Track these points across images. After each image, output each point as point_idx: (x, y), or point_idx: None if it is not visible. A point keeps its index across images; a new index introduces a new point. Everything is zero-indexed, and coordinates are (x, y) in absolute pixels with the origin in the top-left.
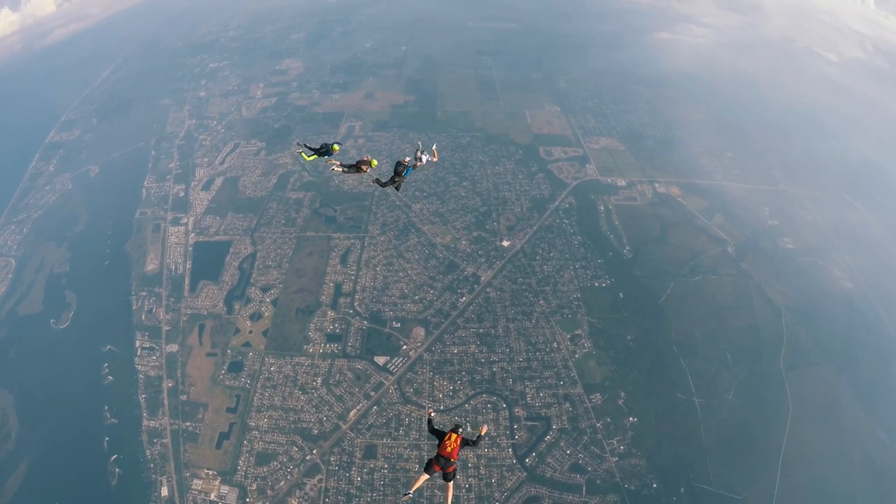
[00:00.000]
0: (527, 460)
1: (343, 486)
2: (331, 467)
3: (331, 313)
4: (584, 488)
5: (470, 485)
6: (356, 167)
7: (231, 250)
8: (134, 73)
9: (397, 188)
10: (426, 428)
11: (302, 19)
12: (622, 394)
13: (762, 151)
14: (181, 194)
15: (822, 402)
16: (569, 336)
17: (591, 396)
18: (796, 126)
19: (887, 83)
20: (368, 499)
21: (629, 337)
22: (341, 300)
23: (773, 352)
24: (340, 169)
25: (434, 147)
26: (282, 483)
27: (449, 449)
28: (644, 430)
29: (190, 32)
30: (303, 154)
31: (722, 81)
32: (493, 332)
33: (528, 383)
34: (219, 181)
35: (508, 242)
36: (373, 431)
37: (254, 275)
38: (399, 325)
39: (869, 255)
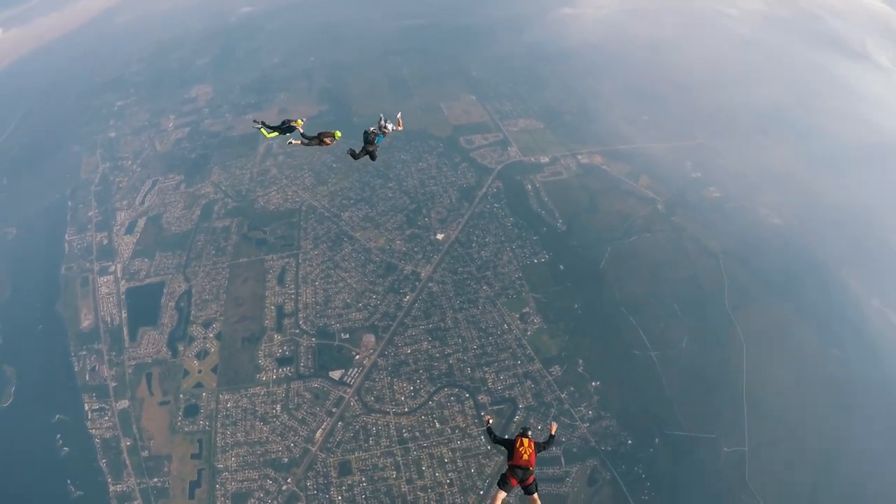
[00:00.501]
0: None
1: None
2: (309, 492)
3: (277, 337)
4: (562, 459)
5: (451, 479)
6: (318, 139)
7: (165, 291)
8: (39, 122)
9: (373, 157)
10: (487, 440)
11: (205, 43)
12: (580, 361)
13: (677, 110)
14: (105, 242)
15: (773, 334)
16: (517, 315)
17: (551, 370)
18: (706, 82)
19: (789, 30)
20: None
21: (576, 306)
22: (286, 321)
23: (717, 296)
24: (300, 142)
25: (399, 116)
26: None
27: (525, 457)
28: (608, 391)
29: (92, 73)
30: (262, 131)
31: (629, 49)
32: (442, 325)
33: (486, 369)
34: (141, 222)
35: (442, 235)
36: (343, 447)
37: (192, 312)
38: (347, 335)
39: (791, 191)
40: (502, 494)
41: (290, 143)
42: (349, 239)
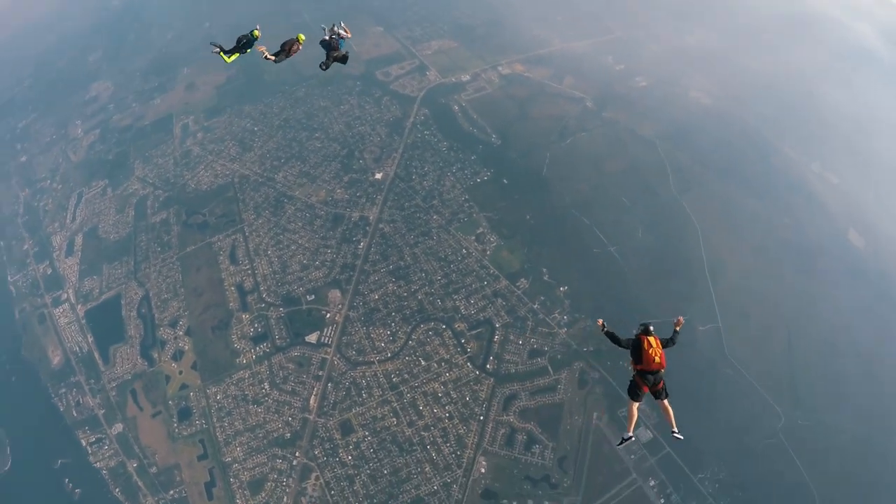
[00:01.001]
0: (488, 366)
1: (340, 471)
2: (319, 460)
3: (245, 316)
4: (549, 368)
5: (449, 412)
6: (285, 52)
7: (123, 302)
8: None
9: (344, 61)
10: (610, 344)
11: (92, 37)
12: (544, 270)
13: (589, 6)
14: (49, 272)
15: (723, 210)
16: (473, 237)
17: (517, 284)
18: None
19: None
20: (369, 470)
21: (528, 216)
22: (249, 299)
23: (661, 182)
24: (273, 58)
25: (342, 23)
26: (285, 499)
27: (657, 359)
28: (577, 293)
29: None
30: (222, 56)
31: None
32: (402, 263)
33: (455, 297)
34: (79, 240)
35: (381, 174)
36: (339, 408)
37: (156, 315)
38: (313, 297)
39: (717, 69)
40: (635, 406)
41: (264, 56)
42: (289, 199)
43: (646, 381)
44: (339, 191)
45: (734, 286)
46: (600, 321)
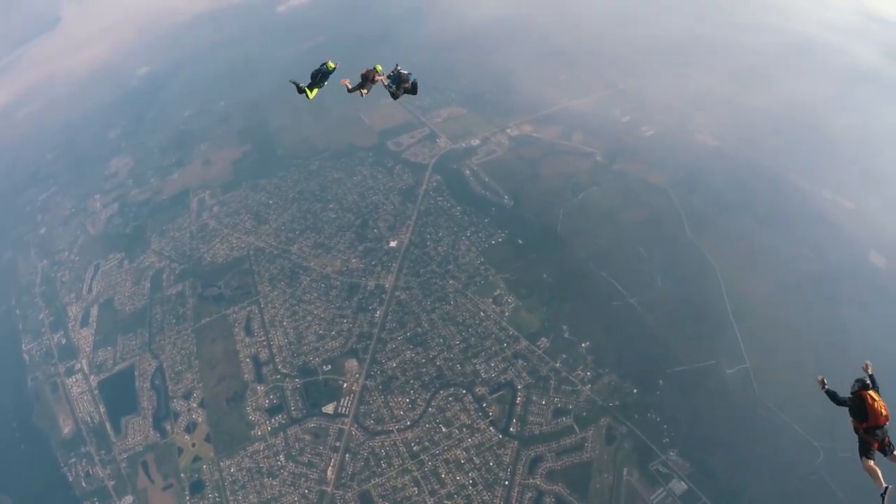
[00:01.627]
0: (511, 429)
1: None
2: None
3: (261, 388)
4: (575, 426)
5: (473, 479)
6: (369, 81)
7: (136, 374)
8: None
9: (414, 90)
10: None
11: (113, 114)
12: (564, 327)
13: (591, 63)
14: (63, 342)
15: (740, 249)
16: (490, 300)
17: (538, 343)
18: (613, 28)
19: None
20: None
21: (545, 275)
22: (265, 370)
23: (677, 228)
24: (357, 90)
25: (397, 66)
26: None
27: (883, 411)
28: (600, 349)
29: (7, 173)
30: (306, 92)
31: (529, 15)
32: (419, 330)
33: (475, 361)
34: (94, 311)
35: (395, 242)
36: (357, 479)
37: (170, 387)
38: (329, 366)
39: (721, 110)
40: (871, 462)
41: (349, 90)
42: (305, 270)
43: (875, 437)
44: (354, 260)
45: (759, 324)
46: (820, 378)
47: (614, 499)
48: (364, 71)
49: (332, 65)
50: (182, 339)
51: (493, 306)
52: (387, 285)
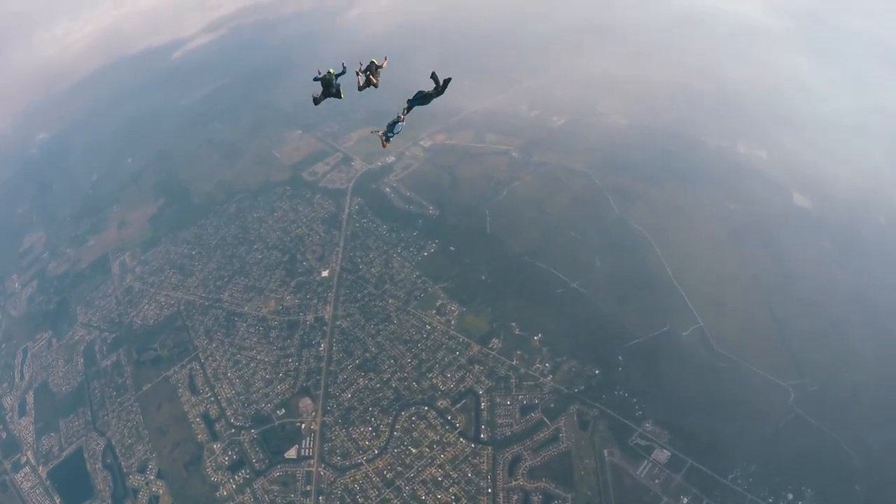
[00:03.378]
0: (482, 436)
1: None
2: None
3: (217, 446)
4: (545, 419)
5: (455, 494)
6: (368, 81)
7: (86, 456)
8: None
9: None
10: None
11: (19, 190)
12: (514, 324)
13: (492, 64)
14: (3, 436)
15: (669, 216)
16: (434, 311)
17: (490, 345)
18: (504, 26)
19: None
20: None
21: (483, 277)
22: (217, 426)
23: (604, 207)
24: (361, 85)
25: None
26: None
27: None
28: (553, 338)
29: None
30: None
31: (422, 27)
32: (368, 355)
33: (430, 375)
34: (30, 397)
35: (327, 271)
36: None
37: (123, 463)
38: (283, 410)
39: (623, 93)
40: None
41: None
42: (240, 317)
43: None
44: (288, 297)
45: (702, 282)
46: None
47: (601, 482)
48: (365, 68)
49: (332, 71)
50: (126, 410)
51: (438, 317)
52: (326, 316)
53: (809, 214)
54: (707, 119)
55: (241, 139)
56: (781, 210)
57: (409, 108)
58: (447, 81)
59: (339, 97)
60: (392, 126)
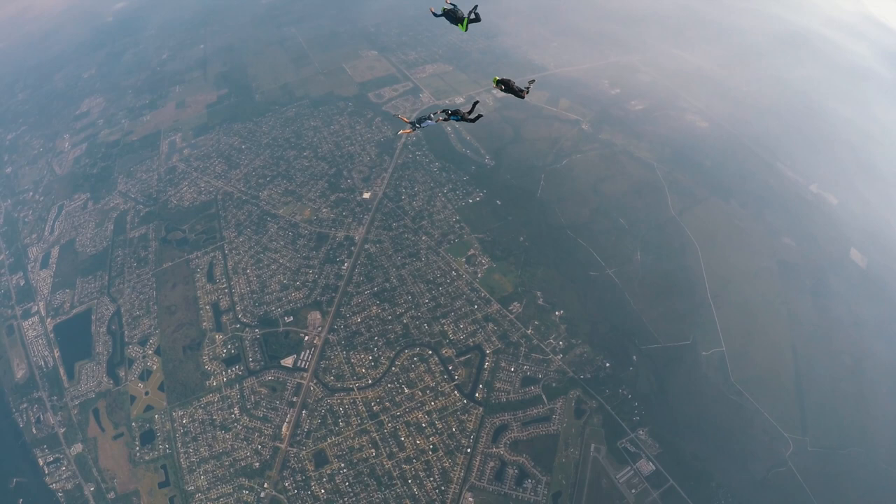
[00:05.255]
0: (477, 395)
1: None
2: (289, 493)
3: (219, 337)
4: (543, 397)
5: (434, 444)
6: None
7: (93, 318)
8: None
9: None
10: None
11: (88, 55)
12: (538, 293)
13: (585, 32)
14: (22, 283)
15: (723, 231)
16: (464, 259)
17: (510, 308)
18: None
19: None
20: None
21: (522, 238)
22: (224, 318)
23: (660, 203)
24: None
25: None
26: None
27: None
28: (574, 318)
29: None
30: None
31: None
32: (388, 285)
33: (443, 321)
34: (55, 252)
35: (369, 193)
36: (313, 437)
37: (126, 333)
38: (291, 318)
39: (713, 92)
40: None
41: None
42: (273, 218)
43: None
44: (324, 210)
45: (737, 308)
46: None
47: (580, 474)
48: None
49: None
50: (142, 283)
51: (466, 266)
52: (357, 237)
53: (862, 273)
54: (789, 146)
55: (314, 48)
56: (835, 260)
57: (445, 118)
58: (479, 116)
59: (476, 20)
60: (421, 120)
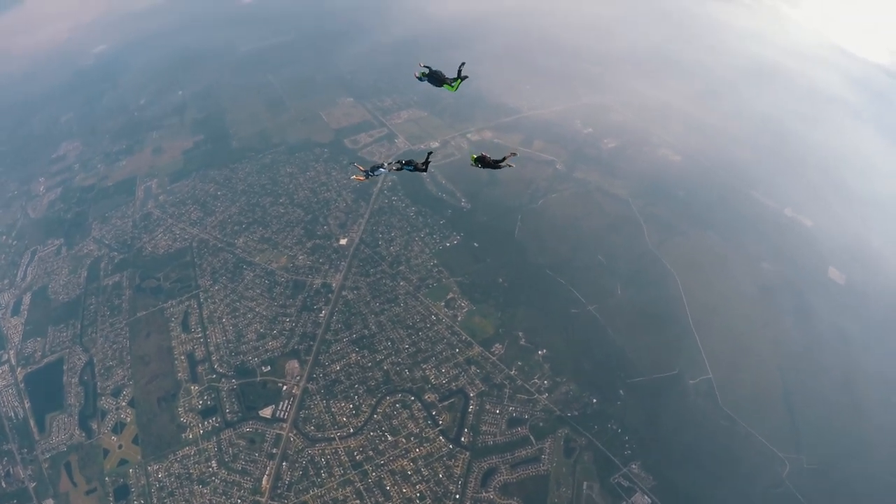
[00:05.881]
0: (462, 439)
1: None
2: None
3: (195, 388)
4: (531, 437)
5: (420, 492)
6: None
7: (65, 368)
8: None
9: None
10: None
11: (67, 97)
12: (520, 334)
13: (556, 74)
14: None
15: (701, 260)
16: (443, 303)
17: (492, 349)
18: (579, 41)
19: None
20: None
21: (500, 279)
22: (200, 369)
23: (637, 237)
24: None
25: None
26: None
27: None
28: (558, 356)
29: None
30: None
31: (495, 20)
32: (366, 332)
33: (424, 366)
34: (27, 298)
35: (346, 240)
36: (294, 489)
37: (99, 383)
38: (269, 367)
39: (684, 127)
40: None
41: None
42: (249, 265)
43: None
44: (301, 257)
45: (721, 335)
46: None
47: None
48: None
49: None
50: (115, 332)
51: (446, 310)
52: (334, 284)
53: (842, 291)
54: (761, 173)
55: (291, 95)
56: (815, 281)
57: (398, 168)
58: (427, 164)
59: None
60: (374, 169)
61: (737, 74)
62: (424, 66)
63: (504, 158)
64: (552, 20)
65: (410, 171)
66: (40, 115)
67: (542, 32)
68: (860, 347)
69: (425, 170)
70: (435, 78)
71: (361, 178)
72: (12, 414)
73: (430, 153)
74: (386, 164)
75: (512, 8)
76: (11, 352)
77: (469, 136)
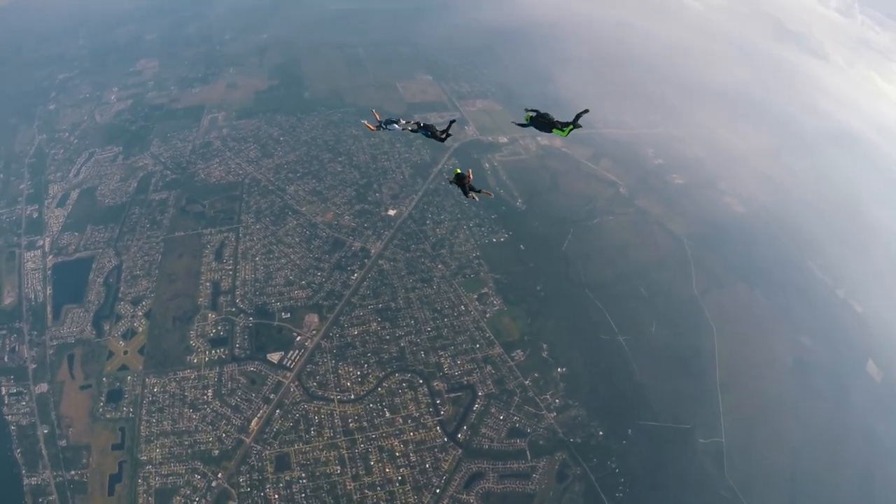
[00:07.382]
0: (459, 435)
1: None
2: (242, 489)
3: (212, 315)
4: (527, 452)
5: (402, 476)
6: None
7: (94, 266)
8: None
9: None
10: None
11: (154, 18)
12: (545, 346)
13: (639, 97)
14: (35, 215)
15: (742, 319)
16: (475, 296)
17: (513, 354)
18: (668, 68)
19: (747, 22)
20: None
21: (539, 287)
22: (221, 299)
23: (684, 280)
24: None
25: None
26: None
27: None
28: (575, 378)
29: (36, 46)
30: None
31: (590, 30)
32: (393, 305)
33: (441, 353)
34: (74, 194)
35: (395, 211)
36: (281, 439)
37: (121, 288)
38: (289, 315)
39: (754, 179)
40: None
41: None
42: (294, 213)
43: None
44: (347, 217)
45: (744, 400)
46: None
47: None
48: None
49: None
50: (150, 245)
51: (477, 303)
52: (373, 251)
53: (876, 387)
54: (824, 245)
55: (371, 60)
56: (851, 369)
57: (413, 129)
58: (447, 135)
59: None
60: (388, 123)
61: (819, 136)
62: (531, 111)
63: (479, 191)
64: (647, 40)
65: (426, 136)
66: (126, 29)
67: (634, 49)
68: (884, 451)
69: (443, 140)
70: (542, 122)
71: (373, 127)
72: (32, 296)
73: (452, 121)
74: (403, 121)
75: (608, 16)
76: (47, 239)
77: (539, 139)
